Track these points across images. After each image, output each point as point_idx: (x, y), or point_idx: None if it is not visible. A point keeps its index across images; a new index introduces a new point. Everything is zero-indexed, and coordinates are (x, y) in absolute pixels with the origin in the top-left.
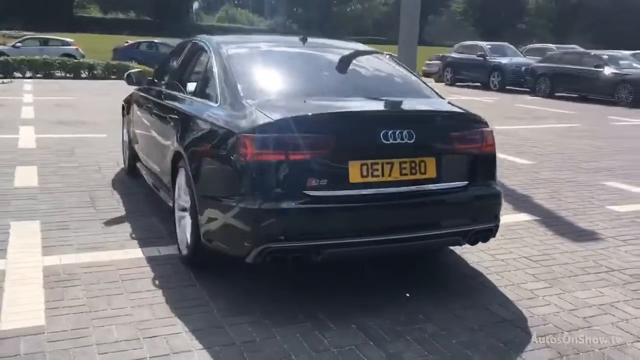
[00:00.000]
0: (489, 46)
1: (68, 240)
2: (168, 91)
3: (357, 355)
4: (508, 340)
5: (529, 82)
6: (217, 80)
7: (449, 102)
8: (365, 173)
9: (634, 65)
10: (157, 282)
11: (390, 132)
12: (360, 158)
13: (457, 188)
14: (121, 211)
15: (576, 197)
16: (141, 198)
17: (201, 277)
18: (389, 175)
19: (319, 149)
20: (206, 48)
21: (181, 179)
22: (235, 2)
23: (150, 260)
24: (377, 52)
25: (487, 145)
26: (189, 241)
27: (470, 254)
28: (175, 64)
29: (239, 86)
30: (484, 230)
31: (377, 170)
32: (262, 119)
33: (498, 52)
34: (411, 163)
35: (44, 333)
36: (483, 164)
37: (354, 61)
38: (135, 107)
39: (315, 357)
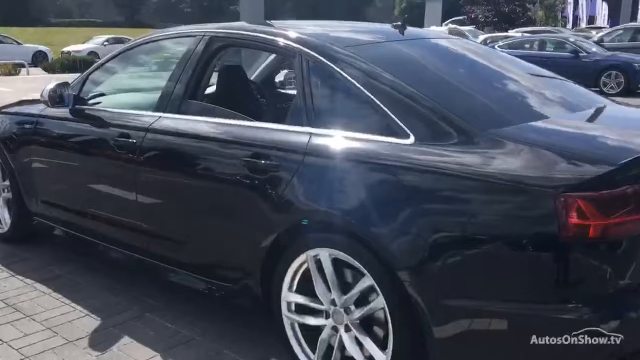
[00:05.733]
0: None
1: None
2: (213, 120)
3: None
4: None
5: None
6: (376, 102)
7: None
8: None
9: None
10: None
11: None
12: None
13: None
14: (98, 282)
15: None
16: (80, 266)
17: None
18: None
19: None
20: (295, 51)
21: (325, 268)
22: None
23: None
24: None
25: None
26: None
27: None
28: (178, 76)
29: (445, 111)
30: None
31: None
32: (591, 165)
33: None
34: None
35: None
36: None
37: (488, 58)
38: (42, 146)
39: None
